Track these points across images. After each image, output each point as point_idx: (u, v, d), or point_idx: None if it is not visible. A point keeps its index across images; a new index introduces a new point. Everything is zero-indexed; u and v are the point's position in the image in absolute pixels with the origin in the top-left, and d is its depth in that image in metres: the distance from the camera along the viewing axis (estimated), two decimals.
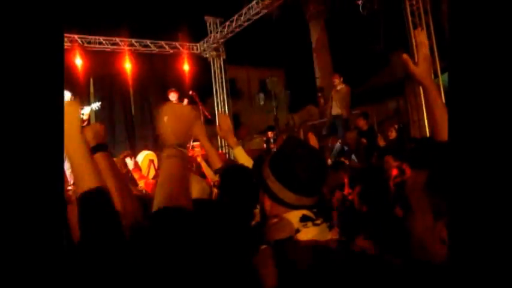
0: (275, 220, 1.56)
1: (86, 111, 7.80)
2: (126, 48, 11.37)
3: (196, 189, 3.07)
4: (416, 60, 1.86)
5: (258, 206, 2.51)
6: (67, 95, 7.87)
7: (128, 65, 11.16)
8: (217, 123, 3.22)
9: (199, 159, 4.76)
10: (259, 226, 1.77)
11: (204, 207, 1.64)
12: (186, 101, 9.29)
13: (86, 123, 8.07)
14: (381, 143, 7.43)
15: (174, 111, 1.43)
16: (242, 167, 2.56)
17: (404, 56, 1.82)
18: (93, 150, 1.82)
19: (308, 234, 1.47)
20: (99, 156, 1.83)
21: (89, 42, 11.02)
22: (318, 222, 1.51)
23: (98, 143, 1.89)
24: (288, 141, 1.69)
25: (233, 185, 2.39)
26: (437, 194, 1.08)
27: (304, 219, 1.50)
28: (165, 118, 1.39)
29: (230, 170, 2.59)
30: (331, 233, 1.54)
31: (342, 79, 9.28)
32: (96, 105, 7.94)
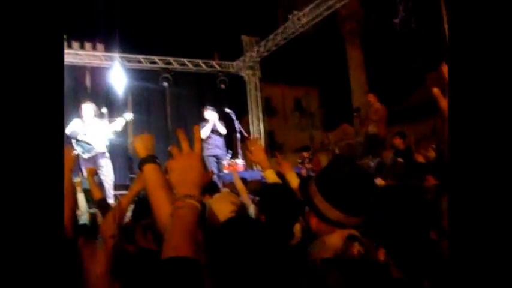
0: (321, 239, 1.55)
1: (120, 121, 7.88)
2: (164, 66, 11.60)
3: (229, 207, 3.07)
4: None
5: (298, 224, 2.50)
6: (90, 107, 7.95)
7: (165, 83, 11.36)
8: (278, 161, 3.21)
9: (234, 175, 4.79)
10: (302, 245, 1.76)
11: (241, 225, 1.64)
12: (216, 115, 9.34)
13: (115, 133, 8.06)
14: (420, 160, 7.28)
15: (181, 164, 1.41)
16: (282, 185, 2.56)
17: (435, 90, 1.80)
18: (144, 161, 1.76)
19: (354, 254, 1.45)
20: (149, 167, 1.76)
21: (129, 61, 11.29)
22: (365, 242, 1.49)
23: (148, 154, 1.82)
24: (336, 159, 1.69)
25: (273, 202, 2.39)
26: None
27: (350, 238, 1.48)
28: (173, 173, 1.38)
29: (270, 188, 2.59)
30: (378, 253, 1.53)
31: (377, 98, 9.21)
32: (129, 116, 7.98)
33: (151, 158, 1.80)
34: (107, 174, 7.76)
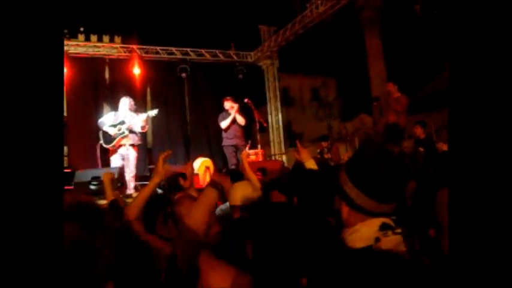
0: (354, 228, 1.52)
1: (143, 117, 8.04)
2: (182, 57, 11.62)
3: (249, 191, 3.07)
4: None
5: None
6: (126, 101, 8.19)
7: (183, 74, 11.38)
8: (297, 149, 3.23)
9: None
10: (334, 233, 1.75)
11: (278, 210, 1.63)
12: (237, 106, 9.37)
13: (145, 129, 8.33)
14: (443, 147, 7.20)
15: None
16: (314, 172, 2.56)
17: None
18: (211, 184, 2.24)
19: (389, 243, 1.42)
20: (212, 191, 2.24)
21: (146, 52, 11.33)
22: (399, 230, 1.46)
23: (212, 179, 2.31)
24: (365, 146, 1.66)
25: (308, 190, 2.38)
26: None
27: (384, 227, 1.46)
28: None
29: (304, 176, 2.60)
30: (412, 241, 1.50)
31: (397, 87, 9.10)
32: (153, 113, 8.16)
33: (215, 185, 2.27)
34: (128, 165, 7.93)
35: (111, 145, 7.94)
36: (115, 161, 8.00)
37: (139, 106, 10.96)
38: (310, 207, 2.25)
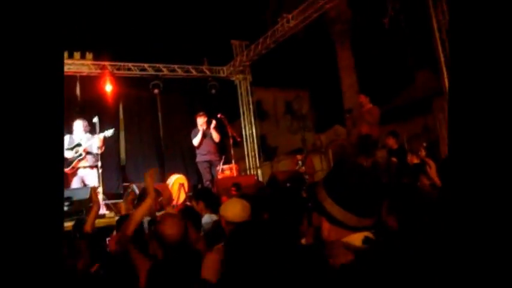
0: (337, 242, 1.52)
1: (100, 137, 8.00)
2: (154, 73, 11.56)
3: (236, 211, 3.08)
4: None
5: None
6: (80, 123, 8.17)
7: (156, 90, 11.31)
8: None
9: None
10: (315, 248, 1.75)
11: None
12: (214, 122, 9.37)
13: (102, 149, 8.24)
14: (414, 160, 7.30)
15: None
16: (286, 188, 2.59)
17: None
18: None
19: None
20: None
21: (118, 69, 11.24)
22: (380, 242, 1.48)
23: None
24: (342, 163, 1.67)
25: (279, 204, 2.40)
26: None
27: (366, 241, 1.47)
28: None
29: (276, 190, 2.63)
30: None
31: (368, 99, 9.22)
32: (109, 132, 8.12)
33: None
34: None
35: (69, 168, 7.97)
36: (75, 184, 7.98)
37: (112, 123, 10.86)
38: (281, 222, 2.26)
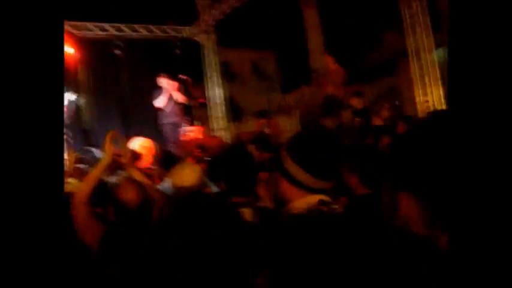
0: (292, 204, 1.59)
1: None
2: (115, 33, 11.22)
3: (191, 177, 3.05)
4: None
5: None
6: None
7: (117, 51, 11.02)
8: None
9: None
10: (275, 212, 1.81)
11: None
12: (176, 84, 9.23)
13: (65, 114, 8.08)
14: (377, 122, 7.39)
15: None
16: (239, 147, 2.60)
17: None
18: None
19: None
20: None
21: (77, 28, 10.85)
22: (335, 207, 1.53)
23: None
24: (306, 127, 1.74)
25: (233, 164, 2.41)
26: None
27: (321, 204, 1.52)
28: None
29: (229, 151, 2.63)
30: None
31: (334, 59, 9.22)
32: (72, 97, 7.92)
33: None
34: None
35: None
36: None
37: (72, 86, 10.56)
38: (233, 188, 2.27)
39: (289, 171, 1.59)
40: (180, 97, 9.25)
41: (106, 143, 2.86)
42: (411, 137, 1.09)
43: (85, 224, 2.43)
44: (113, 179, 3.40)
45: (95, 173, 2.75)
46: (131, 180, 2.76)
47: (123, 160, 3.08)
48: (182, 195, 2.76)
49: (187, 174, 3.05)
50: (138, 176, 2.93)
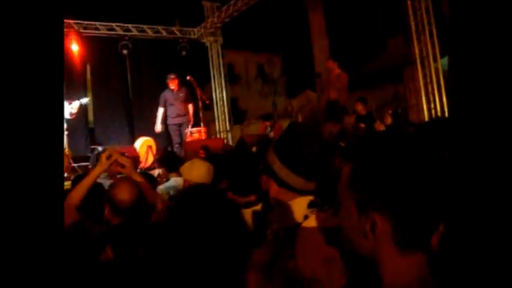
0: (282, 206, 1.57)
1: (75, 105, 7.86)
2: (123, 33, 11.28)
3: (201, 173, 3.07)
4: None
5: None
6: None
7: (124, 51, 11.08)
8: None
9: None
10: (264, 212, 1.78)
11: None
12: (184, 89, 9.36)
13: (74, 116, 8.14)
14: (380, 127, 7.41)
15: None
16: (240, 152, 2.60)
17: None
18: None
19: (316, 220, 1.47)
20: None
21: (85, 28, 10.92)
22: (325, 208, 1.51)
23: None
24: (292, 127, 1.70)
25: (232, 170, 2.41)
26: (360, 188, 0.96)
27: (312, 205, 1.51)
28: None
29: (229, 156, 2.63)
30: (337, 218, 1.55)
31: (337, 64, 9.22)
32: (84, 101, 7.98)
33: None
34: None
35: None
36: None
37: (79, 85, 10.63)
38: (237, 187, 2.28)
39: (278, 174, 1.57)
40: (185, 98, 9.39)
41: (102, 159, 2.80)
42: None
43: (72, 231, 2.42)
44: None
45: (86, 182, 2.72)
46: (126, 180, 2.74)
47: (125, 171, 3.03)
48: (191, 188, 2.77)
49: (199, 170, 3.07)
50: (138, 179, 2.90)
